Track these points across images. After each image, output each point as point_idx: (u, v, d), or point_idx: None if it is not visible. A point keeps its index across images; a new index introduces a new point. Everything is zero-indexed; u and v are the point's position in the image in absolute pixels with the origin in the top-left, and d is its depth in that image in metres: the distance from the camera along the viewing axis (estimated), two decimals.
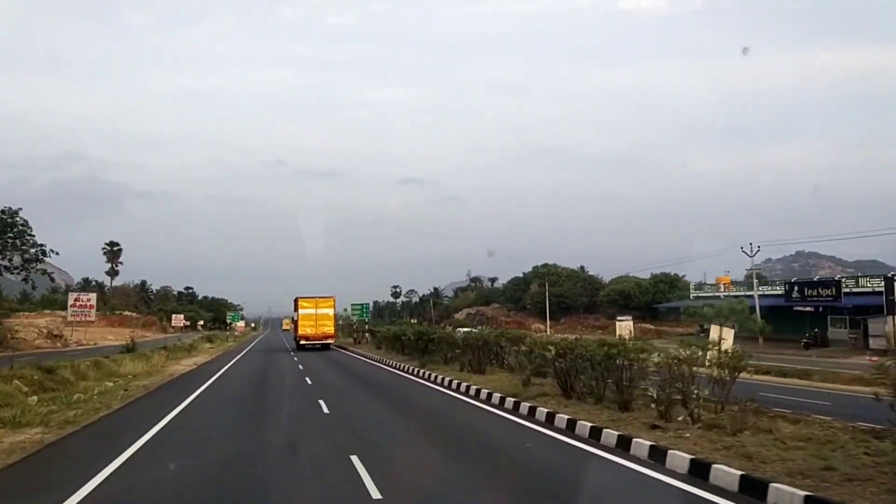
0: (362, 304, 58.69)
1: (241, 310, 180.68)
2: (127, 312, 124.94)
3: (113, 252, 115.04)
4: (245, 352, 50.42)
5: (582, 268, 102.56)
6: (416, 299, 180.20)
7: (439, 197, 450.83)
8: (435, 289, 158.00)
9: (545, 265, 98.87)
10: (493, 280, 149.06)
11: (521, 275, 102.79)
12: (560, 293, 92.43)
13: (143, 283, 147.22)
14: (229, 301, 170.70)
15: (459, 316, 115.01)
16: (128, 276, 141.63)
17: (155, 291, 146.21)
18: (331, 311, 47.76)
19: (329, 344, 48.11)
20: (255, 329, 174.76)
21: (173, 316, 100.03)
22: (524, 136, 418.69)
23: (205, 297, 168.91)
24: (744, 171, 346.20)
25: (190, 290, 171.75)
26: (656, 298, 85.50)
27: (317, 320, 46.59)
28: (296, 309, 48.57)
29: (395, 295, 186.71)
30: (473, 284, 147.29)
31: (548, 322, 76.66)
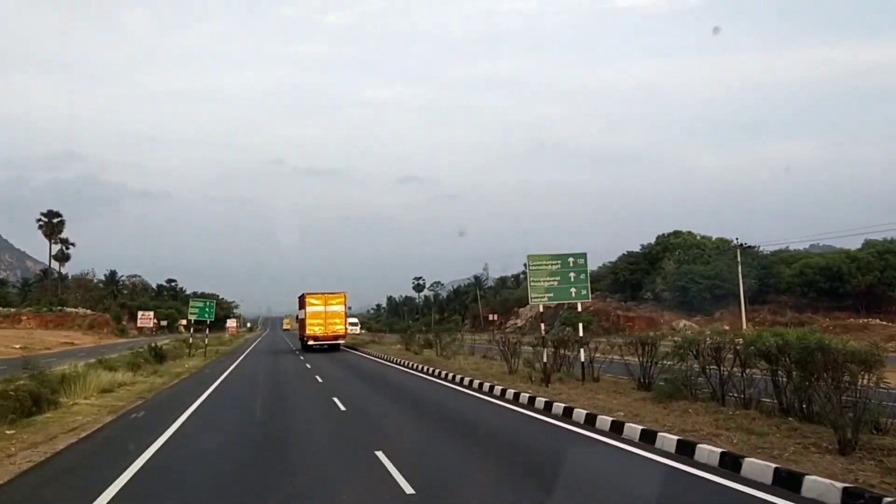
0: (574, 256, 16.44)
1: (237, 307, 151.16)
2: (80, 309, 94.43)
3: (52, 225, 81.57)
4: (202, 402, 18.90)
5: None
6: (443, 294, 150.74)
7: (439, 195, 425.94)
8: (476, 277, 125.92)
9: (677, 233, 67.11)
10: None
11: (637, 249, 71.01)
12: (710, 274, 60.98)
13: (113, 273, 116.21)
14: (221, 297, 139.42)
15: (527, 311, 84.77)
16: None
17: (122, 282, 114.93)
18: (342, 308, 43.91)
19: (339, 344, 43.98)
20: (251, 330, 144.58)
21: (139, 314, 69.90)
22: (523, 134, 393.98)
23: (193, 293, 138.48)
24: (745, 168, 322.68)
25: (172, 284, 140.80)
26: (885, 278, 53.90)
27: (326, 318, 42.49)
28: (302, 306, 45.44)
29: (418, 288, 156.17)
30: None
31: (743, 314, 44.47)
